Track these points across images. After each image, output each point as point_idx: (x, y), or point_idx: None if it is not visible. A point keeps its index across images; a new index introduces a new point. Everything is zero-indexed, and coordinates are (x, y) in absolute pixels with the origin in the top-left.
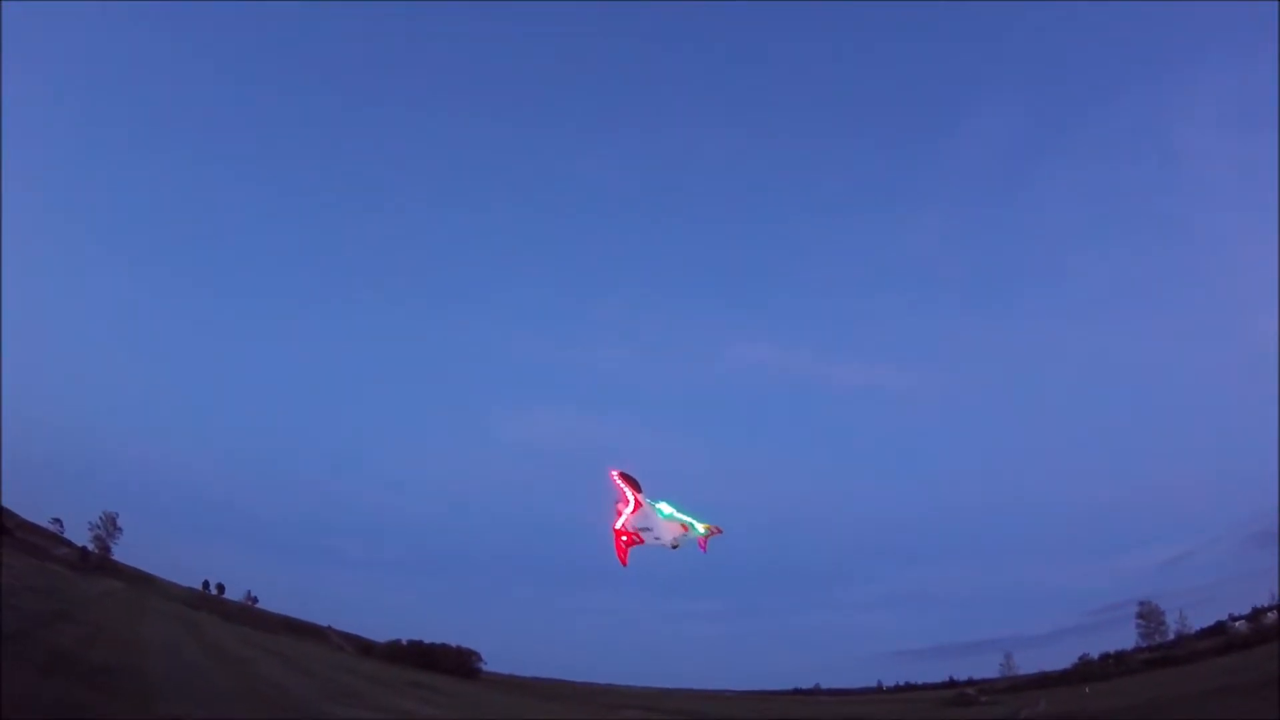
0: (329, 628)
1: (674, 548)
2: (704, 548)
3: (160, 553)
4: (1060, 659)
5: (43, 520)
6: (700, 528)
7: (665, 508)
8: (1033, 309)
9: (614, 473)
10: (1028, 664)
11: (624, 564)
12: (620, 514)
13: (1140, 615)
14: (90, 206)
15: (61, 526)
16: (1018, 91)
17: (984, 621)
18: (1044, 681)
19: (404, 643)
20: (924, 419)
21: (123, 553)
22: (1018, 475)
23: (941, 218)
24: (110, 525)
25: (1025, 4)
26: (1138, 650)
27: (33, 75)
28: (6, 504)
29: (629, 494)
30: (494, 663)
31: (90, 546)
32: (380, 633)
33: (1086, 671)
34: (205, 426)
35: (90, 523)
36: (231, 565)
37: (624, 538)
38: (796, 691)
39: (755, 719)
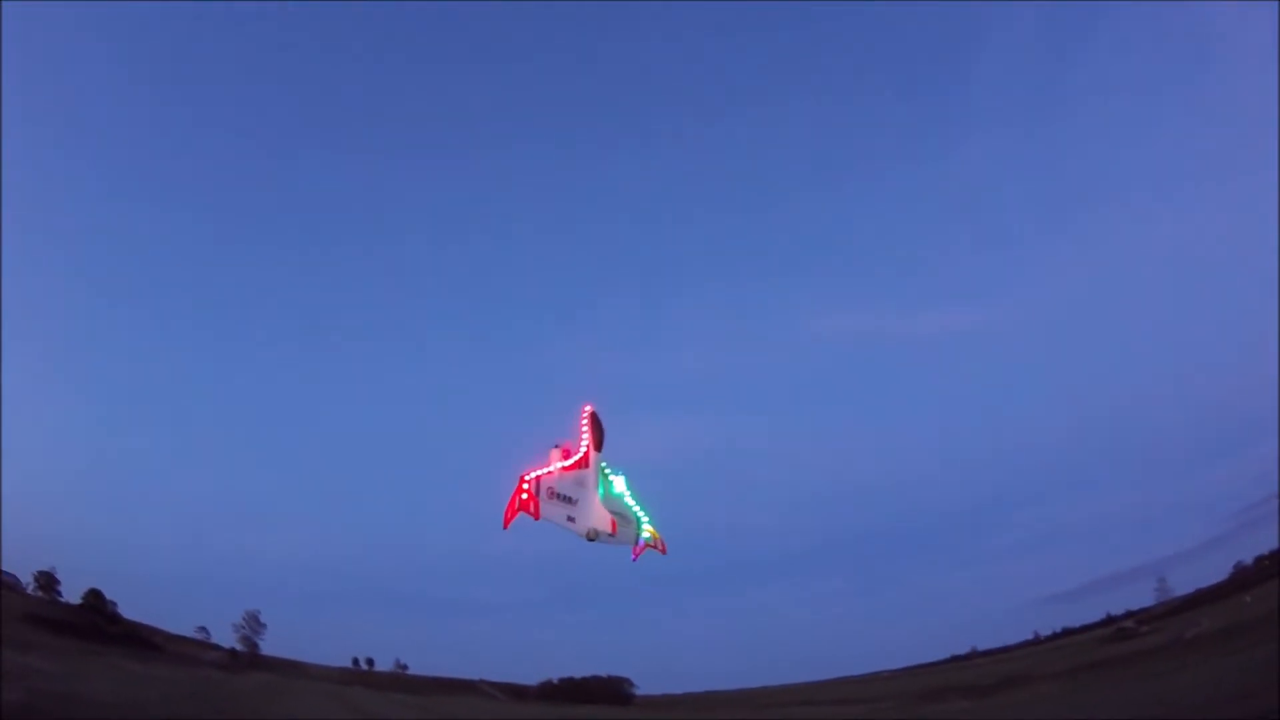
0: (480, 680)
1: (589, 539)
2: (636, 556)
3: (307, 639)
4: (1215, 571)
5: (189, 631)
6: (646, 532)
7: (619, 484)
8: (1095, 216)
9: (588, 408)
10: (1183, 583)
11: (505, 525)
12: (549, 463)
13: None
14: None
15: (207, 634)
16: None
17: (1129, 548)
18: (1202, 598)
19: (555, 681)
20: (1016, 354)
21: (271, 646)
22: (1120, 391)
23: (988, 140)
24: (254, 623)
25: None
26: None
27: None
28: (152, 622)
29: (583, 443)
30: (646, 684)
31: (238, 646)
32: (534, 676)
33: (1243, 579)
34: (324, 505)
35: (234, 624)
36: (379, 638)
37: (525, 492)
38: (954, 659)
39: (918, 691)
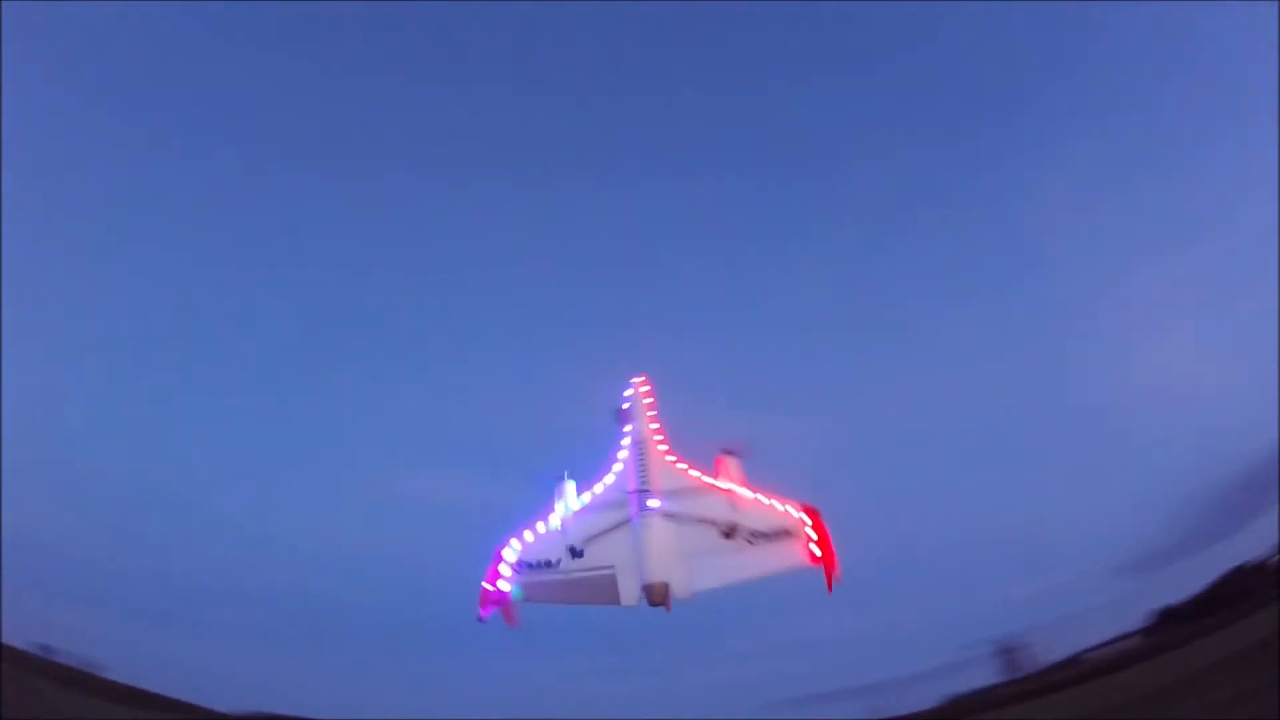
0: (184, 700)
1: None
2: (487, 613)
3: None
4: (925, 700)
5: None
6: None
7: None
8: (897, 359)
9: (639, 380)
10: (893, 707)
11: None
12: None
13: (999, 651)
14: None
15: None
16: (894, 134)
17: (849, 667)
18: None
19: (261, 714)
20: (811, 465)
21: None
22: (888, 518)
23: (825, 259)
24: None
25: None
26: (1000, 685)
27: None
28: None
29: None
30: None
31: None
32: (247, 705)
33: (953, 710)
34: (30, 466)
35: None
36: (74, 625)
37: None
38: None
39: None
